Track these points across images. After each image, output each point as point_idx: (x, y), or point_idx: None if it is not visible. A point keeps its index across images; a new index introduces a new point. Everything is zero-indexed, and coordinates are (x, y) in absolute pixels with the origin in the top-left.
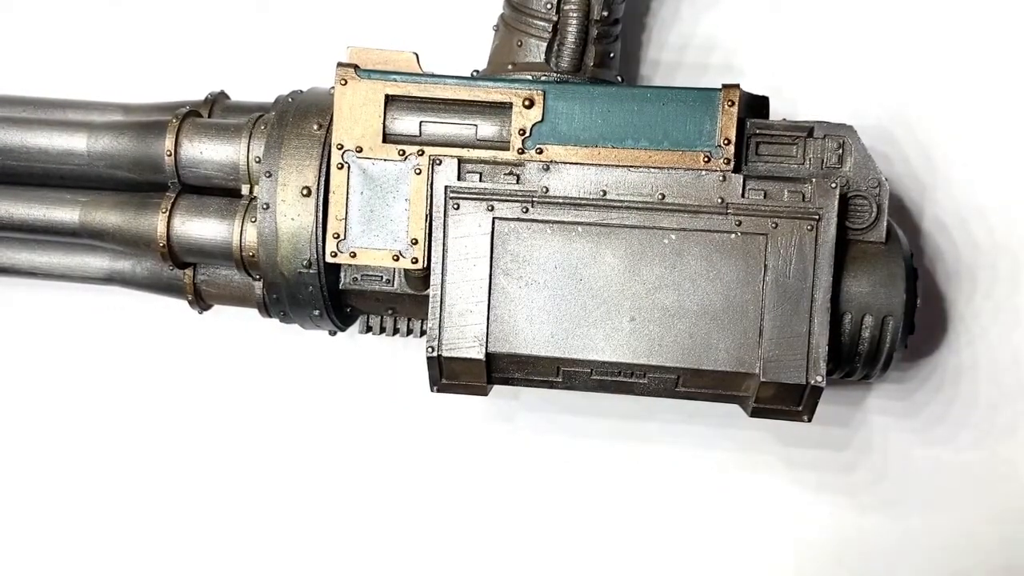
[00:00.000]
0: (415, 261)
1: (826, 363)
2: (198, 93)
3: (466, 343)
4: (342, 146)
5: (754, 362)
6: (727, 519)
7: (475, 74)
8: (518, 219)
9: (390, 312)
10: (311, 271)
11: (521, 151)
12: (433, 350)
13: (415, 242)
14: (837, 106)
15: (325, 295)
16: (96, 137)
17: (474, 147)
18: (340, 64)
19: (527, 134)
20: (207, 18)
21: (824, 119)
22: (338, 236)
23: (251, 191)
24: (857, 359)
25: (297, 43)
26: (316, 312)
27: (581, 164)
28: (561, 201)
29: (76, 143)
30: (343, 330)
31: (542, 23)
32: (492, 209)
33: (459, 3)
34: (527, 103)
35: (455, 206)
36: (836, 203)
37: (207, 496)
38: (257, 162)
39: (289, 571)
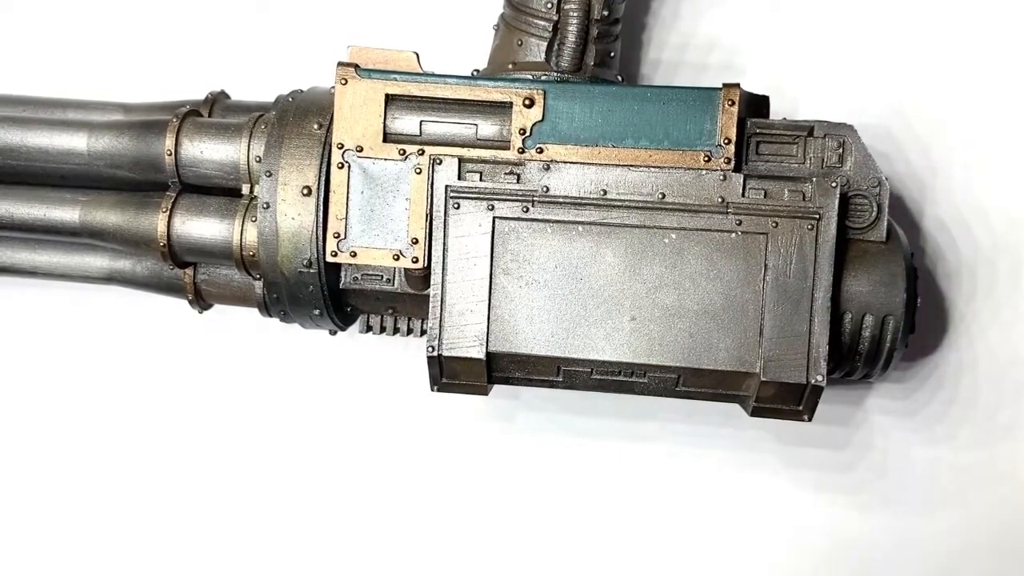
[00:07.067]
0: (415, 260)
1: (826, 362)
2: (198, 93)
3: (466, 342)
4: (342, 145)
5: (754, 361)
6: (727, 519)
7: (475, 73)
8: (518, 218)
9: (390, 311)
10: (311, 270)
11: (521, 150)
12: (433, 349)
13: (415, 241)
14: (837, 105)
15: (325, 294)
16: (96, 137)
17: (474, 146)
18: (340, 64)
19: (527, 133)
20: (207, 18)
21: (824, 118)
22: (338, 235)
23: (251, 190)
24: (857, 358)
25: (297, 43)
26: (316, 311)
27: (581, 163)
28: (561, 200)
29: (76, 143)
30: (343, 330)
31: (542, 22)
32: (492, 208)
33: (459, 3)
34: (527, 102)
35: (455, 205)
36: (836, 202)
37: (206, 495)
38: (257, 161)
39: (289, 570)
